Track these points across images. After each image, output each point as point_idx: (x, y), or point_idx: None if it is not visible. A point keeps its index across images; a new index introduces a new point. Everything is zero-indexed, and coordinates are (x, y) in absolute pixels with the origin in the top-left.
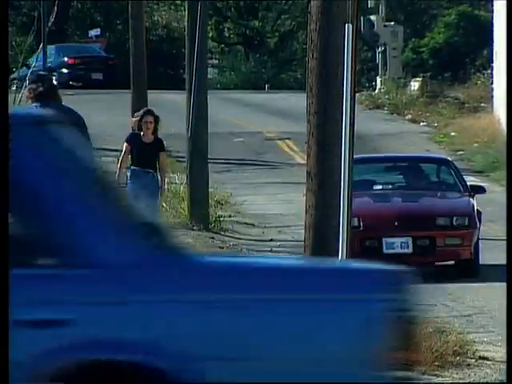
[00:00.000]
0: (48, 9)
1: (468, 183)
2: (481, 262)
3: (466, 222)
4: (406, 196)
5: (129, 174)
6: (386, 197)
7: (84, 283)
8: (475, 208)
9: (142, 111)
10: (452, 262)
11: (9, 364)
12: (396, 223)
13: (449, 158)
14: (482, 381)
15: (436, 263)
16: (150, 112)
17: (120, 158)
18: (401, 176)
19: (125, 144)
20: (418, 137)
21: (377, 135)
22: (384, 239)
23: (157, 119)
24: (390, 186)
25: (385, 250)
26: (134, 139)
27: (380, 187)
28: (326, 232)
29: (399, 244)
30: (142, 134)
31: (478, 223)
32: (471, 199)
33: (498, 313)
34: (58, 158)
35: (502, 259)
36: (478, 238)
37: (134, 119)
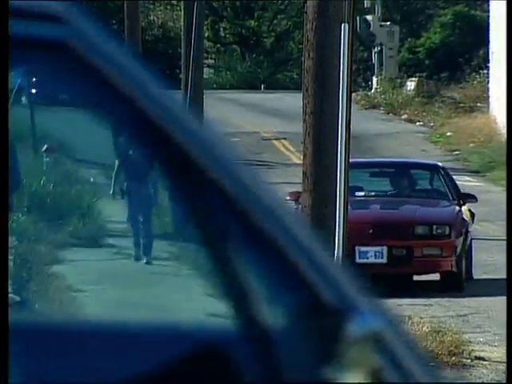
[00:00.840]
0: None
1: (460, 191)
2: (476, 264)
3: (447, 232)
4: (385, 203)
5: None
6: (365, 203)
7: None
8: (460, 217)
9: None
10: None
11: (8, 362)
12: (371, 231)
13: (440, 164)
14: (478, 381)
15: (414, 275)
16: None
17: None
18: (387, 182)
19: None
20: (414, 137)
21: (373, 135)
22: (357, 247)
23: None
24: (373, 193)
25: (357, 260)
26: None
27: (362, 193)
28: (323, 232)
29: (373, 253)
30: None
31: (462, 233)
32: (457, 207)
33: (494, 313)
34: None
35: (498, 259)
36: (467, 249)
37: None
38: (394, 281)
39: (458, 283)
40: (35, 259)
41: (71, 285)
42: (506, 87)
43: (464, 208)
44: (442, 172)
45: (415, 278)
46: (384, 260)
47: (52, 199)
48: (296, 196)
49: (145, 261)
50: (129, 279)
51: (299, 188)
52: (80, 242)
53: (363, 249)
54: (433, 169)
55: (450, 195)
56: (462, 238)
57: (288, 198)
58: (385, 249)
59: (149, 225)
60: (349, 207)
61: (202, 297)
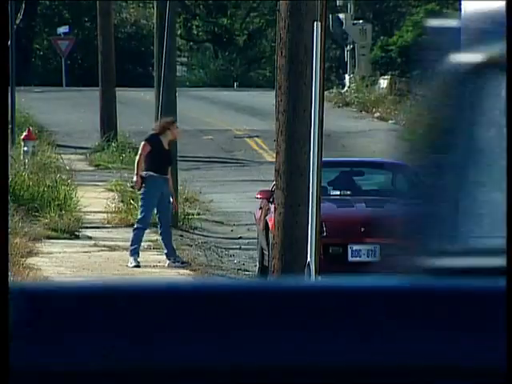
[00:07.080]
0: (16, 6)
1: None
2: None
3: None
4: (369, 202)
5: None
6: (348, 202)
7: None
8: None
9: (172, 118)
10: None
11: (8, 362)
12: (362, 229)
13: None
14: None
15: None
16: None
17: (137, 158)
18: (359, 182)
19: (144, 143)
20: (387, 135)
21: (346, 133)
22: (349, 246)
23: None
24: (349, 192)
25: (350, 258)
26: (155, 141)
27: (337, 192)
28: (295, 230)
29: (366, 252)
30: (162, 138)
31: None
32: None
33: None
34: None
35: None
36: None
37: (165, 120)
38: None
39: None
40: (11, 251)
41: (48, 276)
42: (506, 88)
43: None
44: (412, 172)
45: None
46: (377, 258)
47: (28, 190)
48: (266, 195)
49: (171, 260)
50: (106, 271)
51: (270, 186)
52: (56, 234)
53: (356, 247)
54: (403, 168)
55: None
56: None
57: (258, 196)
58: (378, 247)
59: (168, 221)
60: (333, 205)
61: None
